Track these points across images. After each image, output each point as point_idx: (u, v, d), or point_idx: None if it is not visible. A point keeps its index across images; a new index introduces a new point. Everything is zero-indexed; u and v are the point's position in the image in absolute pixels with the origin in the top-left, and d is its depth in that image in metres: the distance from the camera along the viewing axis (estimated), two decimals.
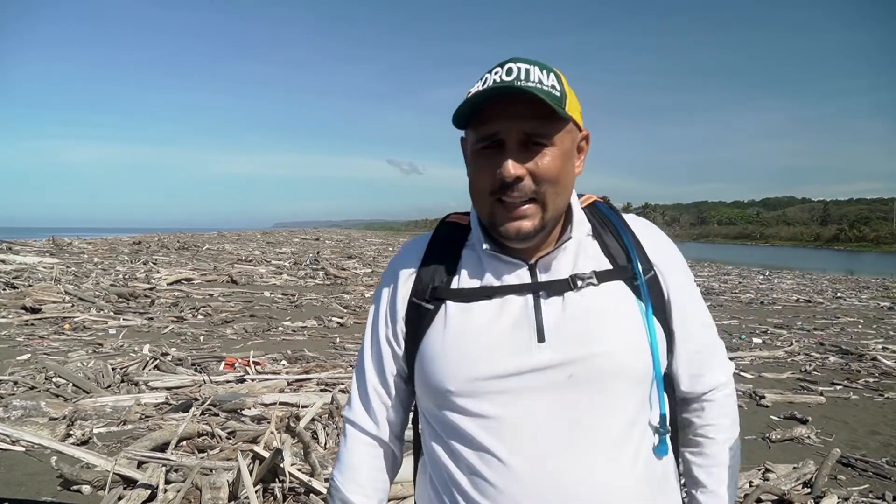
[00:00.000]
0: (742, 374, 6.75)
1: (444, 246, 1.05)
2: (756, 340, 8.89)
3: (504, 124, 0.91)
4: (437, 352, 0.98)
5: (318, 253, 24.75)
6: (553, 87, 0.92)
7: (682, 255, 1.09)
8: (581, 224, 1.03)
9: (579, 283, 0.97)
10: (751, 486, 3.52)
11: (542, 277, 0.98)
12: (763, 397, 5.70)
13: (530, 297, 0.97)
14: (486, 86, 0.91)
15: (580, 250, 1.01)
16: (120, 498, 3.12)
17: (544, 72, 0.93)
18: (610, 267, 1.00)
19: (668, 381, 1.06)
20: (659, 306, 1.01)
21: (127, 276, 13.88)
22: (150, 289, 12.09)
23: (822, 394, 5.97)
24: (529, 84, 0.90)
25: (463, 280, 1.01)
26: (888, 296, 16.05)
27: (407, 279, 1.05)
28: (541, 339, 0.94)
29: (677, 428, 1.08)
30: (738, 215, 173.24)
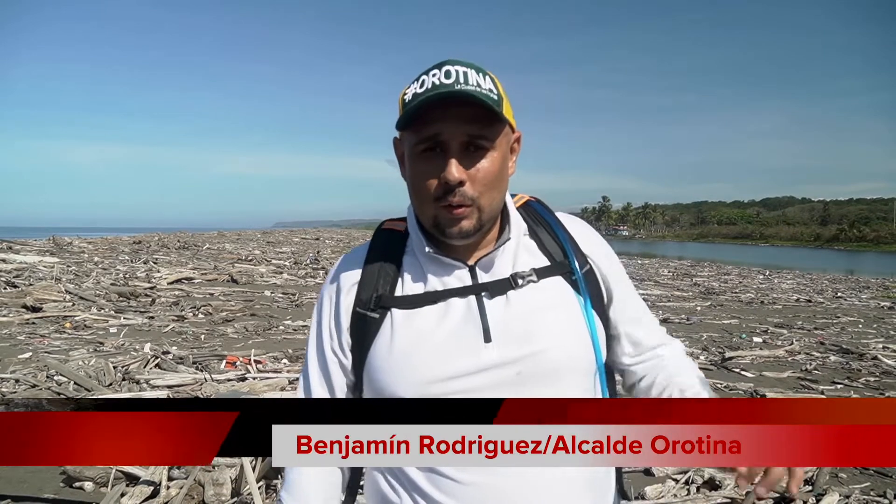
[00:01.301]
0: (743, 373, 6.75)
1: (383, 254, 1.05)
2: (757, 340, 8.89)
3: (446, 126, 0.91)
4: (386, 360, 0.98)
5: (318, 252, 24.75)
6: (490, 90, 0.92)
7: (613, 248, 1.14)
8: (517, 224, 1.05)
9: (520, 281, 0.99)
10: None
11: (483, 278, 1.00)
12: (764, 396, 5.70)
13: (473, 298, 0.98)
14: (424, 88, 0.92)
15: (519, 249, 1.03)
16: (122, 495, 3.12)
17: (481, 74, 0.93)
18: (548, 263, 1.02)
19: (611, 374, 1.10)
20: (597, 298, 1.04)
21: (127, 276, 13.83)
22: (151, 288, 12.08)
23: (823, 393, 5.97)
24: (469, 88, 0.90)
25: (406, 287, 1.01)
26: (888, 295, 16.05)
27: (349, 290, 1.04)
28: (487, 339, 0.95)
29: None
30: (738, 215, 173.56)
